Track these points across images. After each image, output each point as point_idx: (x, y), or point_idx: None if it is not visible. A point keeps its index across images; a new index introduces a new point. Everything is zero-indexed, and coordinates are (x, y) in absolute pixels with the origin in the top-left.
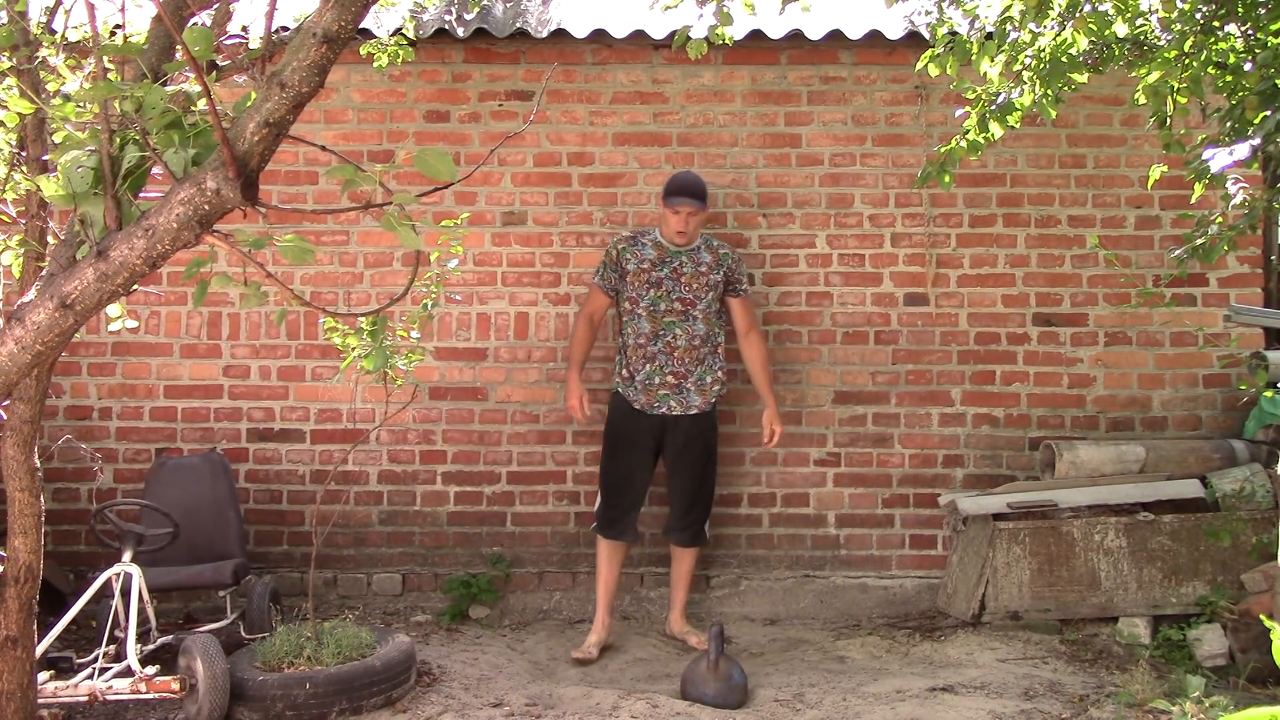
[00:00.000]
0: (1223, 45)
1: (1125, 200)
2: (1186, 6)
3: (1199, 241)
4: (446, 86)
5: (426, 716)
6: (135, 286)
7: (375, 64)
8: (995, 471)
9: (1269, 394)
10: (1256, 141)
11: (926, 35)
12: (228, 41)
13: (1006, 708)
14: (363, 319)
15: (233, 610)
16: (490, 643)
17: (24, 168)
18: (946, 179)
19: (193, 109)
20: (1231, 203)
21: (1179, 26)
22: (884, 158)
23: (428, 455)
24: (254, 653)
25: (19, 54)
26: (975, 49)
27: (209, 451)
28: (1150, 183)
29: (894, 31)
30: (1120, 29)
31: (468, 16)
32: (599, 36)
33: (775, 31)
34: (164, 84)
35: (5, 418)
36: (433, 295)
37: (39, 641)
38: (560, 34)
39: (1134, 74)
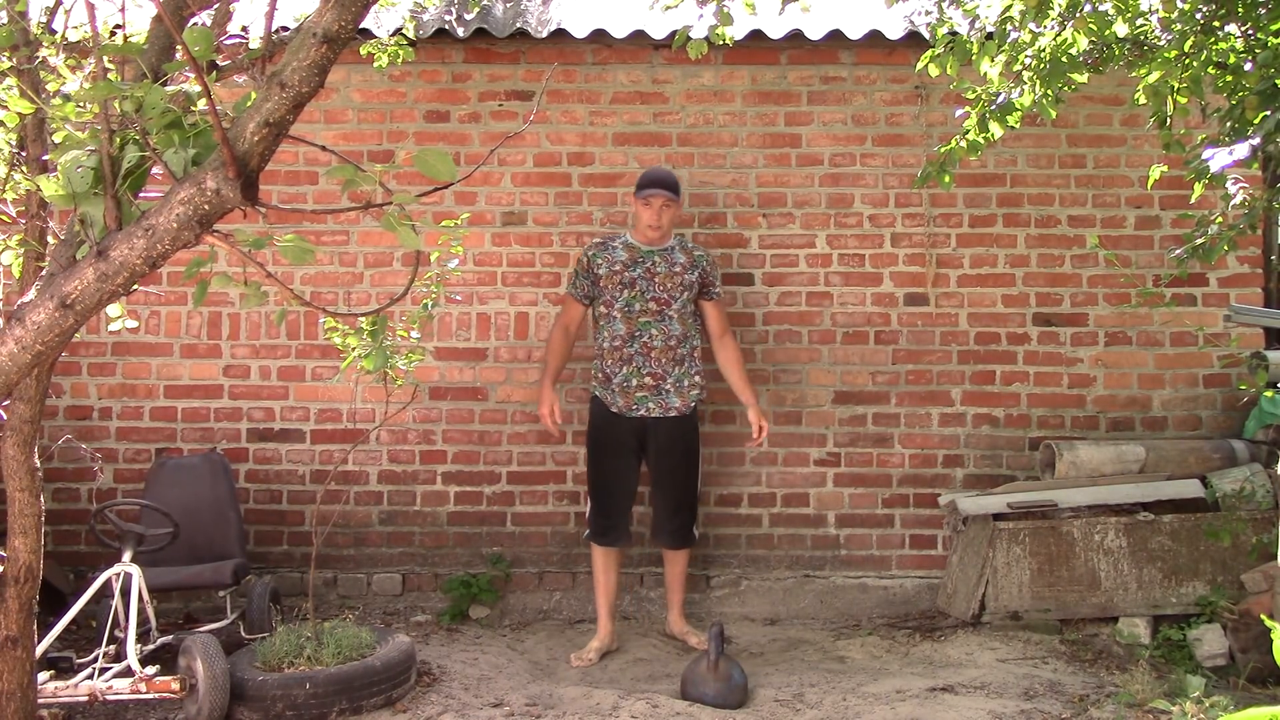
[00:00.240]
0: (1223, 45)
1: (1125, 200)
2: (1186, 6)
3: (1199, 241)
4: (446, 86)
5: (426, 716)
6: (135, 286)
7: (375, 64)
8: (995, 471)
9: (1269, 394)
10: (1256, 141)
11: (926, 35)
12: (228, 41)
13: (1006, 708)
14: (363, 319)
15: (233, 610)
16: (490, 643)
17: (24, 168)
18: (946, 179)
19: (193, 109)
20: (1231, 203)
21: (1179, 26)
22: (884, 158)
23: (428, 455)
24: (254, 653)
25: (19, 54)
26: (975, 49)
27: (209, 451)
28: (1150, 183)
29: (894, 31)
30: (1120, 29)
31: (468, 16)
32: (599, 36)
33: (775, 31)
34: (164, 84)
35: (5, 418)
36: (433, 295)
37: (39, 641)
38: (560, 34)
39: (1134, 74)
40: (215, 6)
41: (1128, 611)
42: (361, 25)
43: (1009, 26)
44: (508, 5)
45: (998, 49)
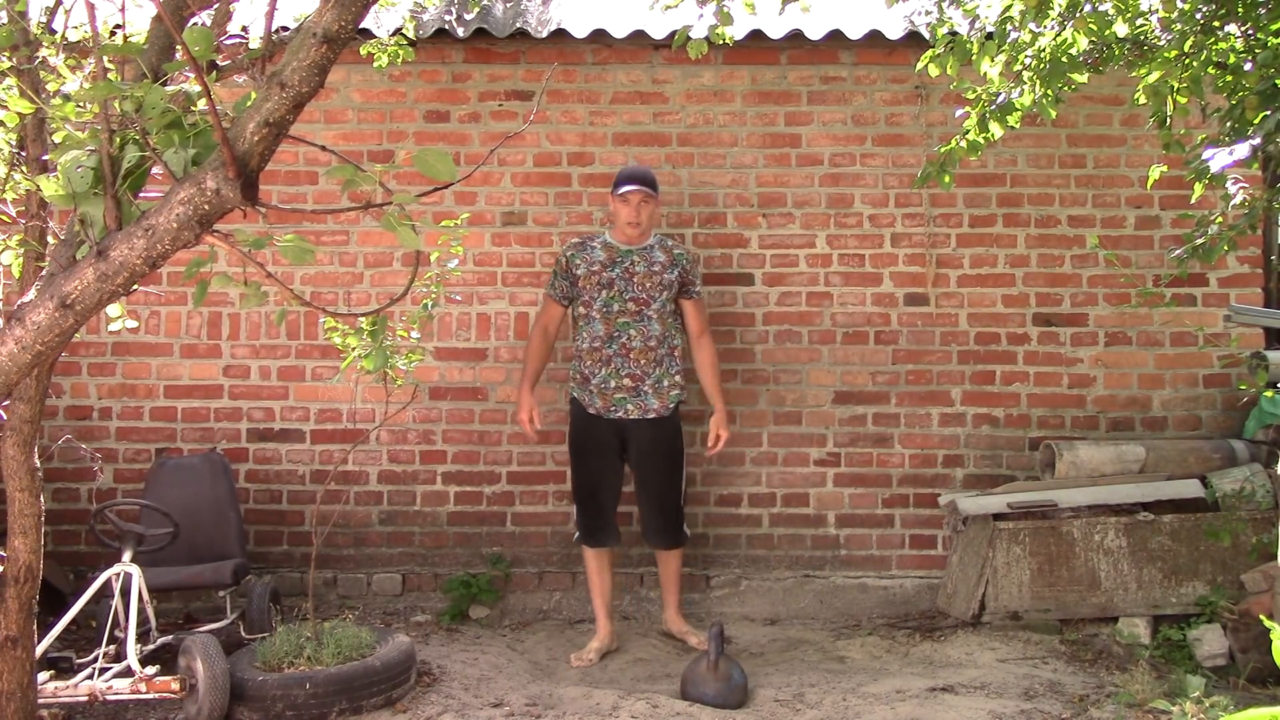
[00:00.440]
0: (1223, 45)
1: (1125, 200)
2: (1186, 6)
3: (1199, 241)
4: (446, 86)
5: (426, 716)
6: (135, 286)
7: (375, 64)
8: (995, 471)
9: (1269, 394)
10: (1256, 141)
11: (926, 35)
12: (228, 41)
13: (1006, 708)
14: (363, 319)
15: (233, 610)
16: (490, 643)
17: (24, 168)
18: (946, 179)
19: (193, 109)
20: (1231, 203)
21: (1179, 26)
22: (884, 158)
23: (428, 455)
24: (254, 653)
25: (19, 54)
26: (975, 49)
27: (209, 451)
28: (1150, 183)
29: (894, 31)
30: (1120, 29)
31: (468, 16)
32: (599, 36)
33: (775, 31)
34: (164, 84)
35: (5, 418)
36: (433, 295)
37: (39, 641)
38: (560, 34)
39: (1134, 74)
40: (215, 6)
41: (1128, 611)
42: (361, 25)
43: (1009, 26)
44: (508, 5)
45: (998, 49)
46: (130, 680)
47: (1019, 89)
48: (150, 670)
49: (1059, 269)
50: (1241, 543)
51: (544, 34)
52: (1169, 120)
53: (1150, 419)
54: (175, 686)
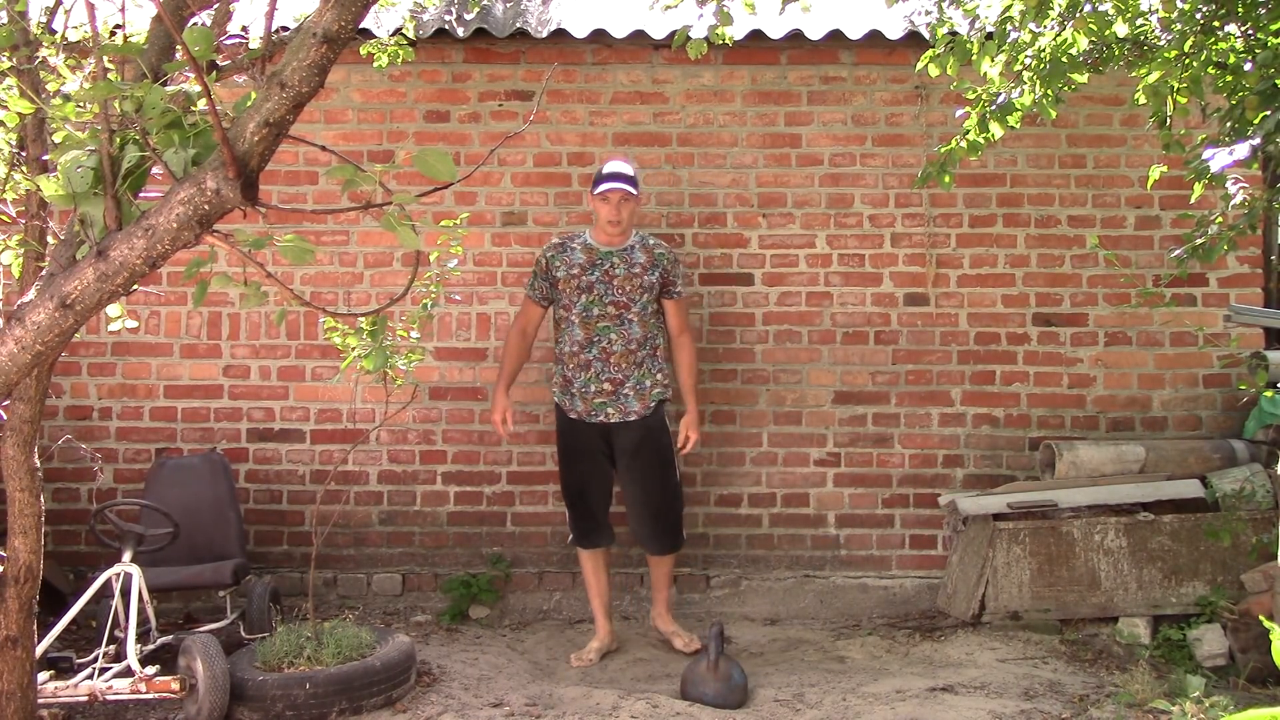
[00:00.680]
0: (1223, 45)
1: (1125, 200)
2: (1186, 6)
3: (1199, 241)
4: (446, 86)
5: (426, 716)
6: (135, 286)
7: (375, 64)
8: (995, 471)
9: (1269, 394)
10: (1256, 141)
11: (926, 35)
12: (228, 41)
13: (1006, 708)
14: (363, 319)
15: (233, 610)
16: (490, 643)
17: (24, 168)
18: (946, 179)
19: (193, 109)
20: (1231, 203)
21: (1179, 26)
22: (884, 158)
23: (428, 455)
24: (254, 653)
25: (19, 54)
26: (975, 49)
27: (209, 451)
28: (1150, 183)
29: (894, 31)
30: (1120, 29)
31: (468, 16)
32: (599, 36)
33: (775, 31)
34: (164, 84)
35: (5, 418)
36: (433, 295)
37: (39, 641)
38: (560, 34)
39: (1134, 74)
40: (215, 6)
41: (1128, 611)
42: (361, 25)
43: (1009, 26)
44: (508, 5)
45: (998, 49)
46: (130, 680)
47: (1019, 89)
48: (150, 670)
49: (1059, 269)
50: (1241, 543)
51: (544, 34)
52: (1169, 120)
53: (1150, 419)
54: (175, 686)
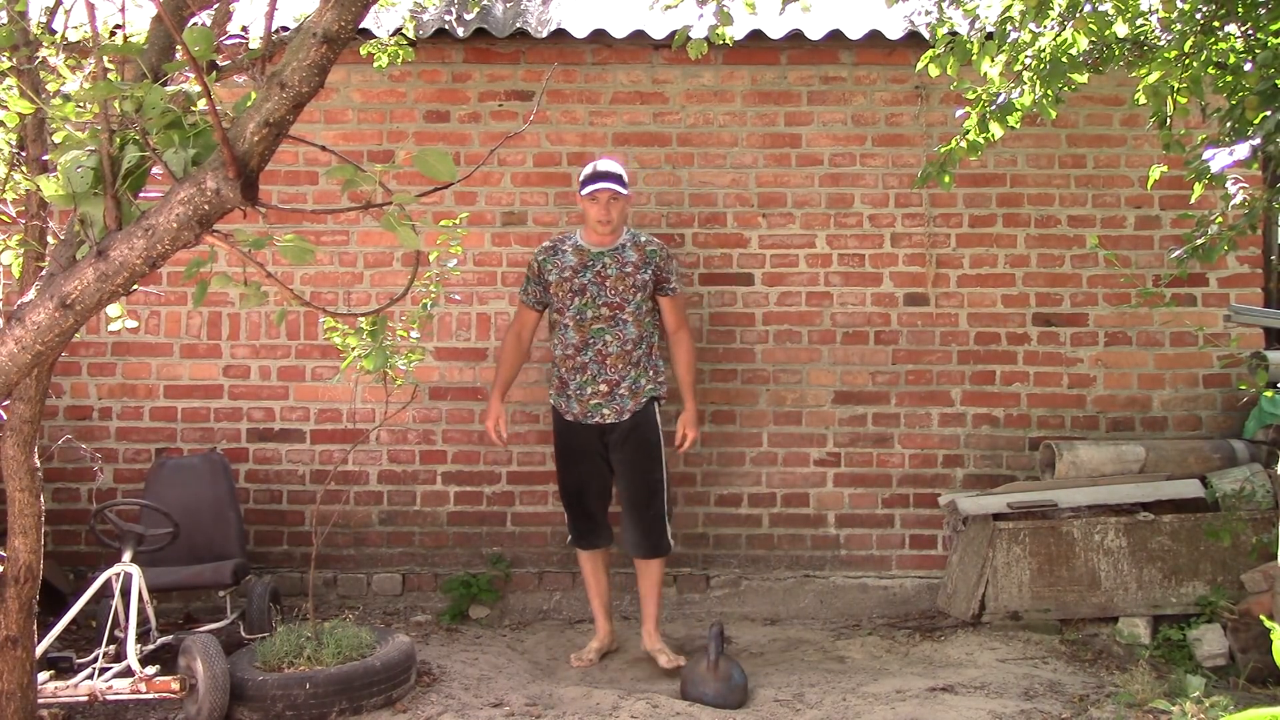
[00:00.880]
0: (1223, 45)
1: (1125, 200)
2: (1186, 6)
3: (1199, 241)
4: (446, 86)
5: (426, 716)
6: (135, 286)
7: (375, 64)
8: (995, 471)
9: (1269, 394)
10: (1256, 141)
11: (926, 35)
12: (228, 41)
13: (1006, 708)
14: (363, 319)
15: (233, 610)
16: (490, 643)
17: (24, 168)
18: (946, 179)
19: (193, 109)
20: (1231, 203)
21: (1179, 26)
22: (884, 158)
23: (428, 455)
24: (254, 653)
25: (19, 54)
26: (975, 49)
27: (209, 451)
28: (1150, 183)
29: (894, 31)
30: (1120, 29)
31: (468, 16)
32: (599, 36)
33: (775, 31)
34: (164, 84)
35: (5, 418)
36: (433, 295)
37: (39, 641)
38: (560, 34)
39: (1134, 74)
40: (215, 6)
41: (1128, 611)
42: (361, 25)
43: (1009, 26)
44: (508, 5)
45: (998, 49)
46: (130, 680)
47: (1019, 89)
48: (150, 670)
49: (1059, 269)
50: (1241, 543)
51: (544, 34)
52: (1169, 120)
53: (1150, 419)
54: (175, 686)
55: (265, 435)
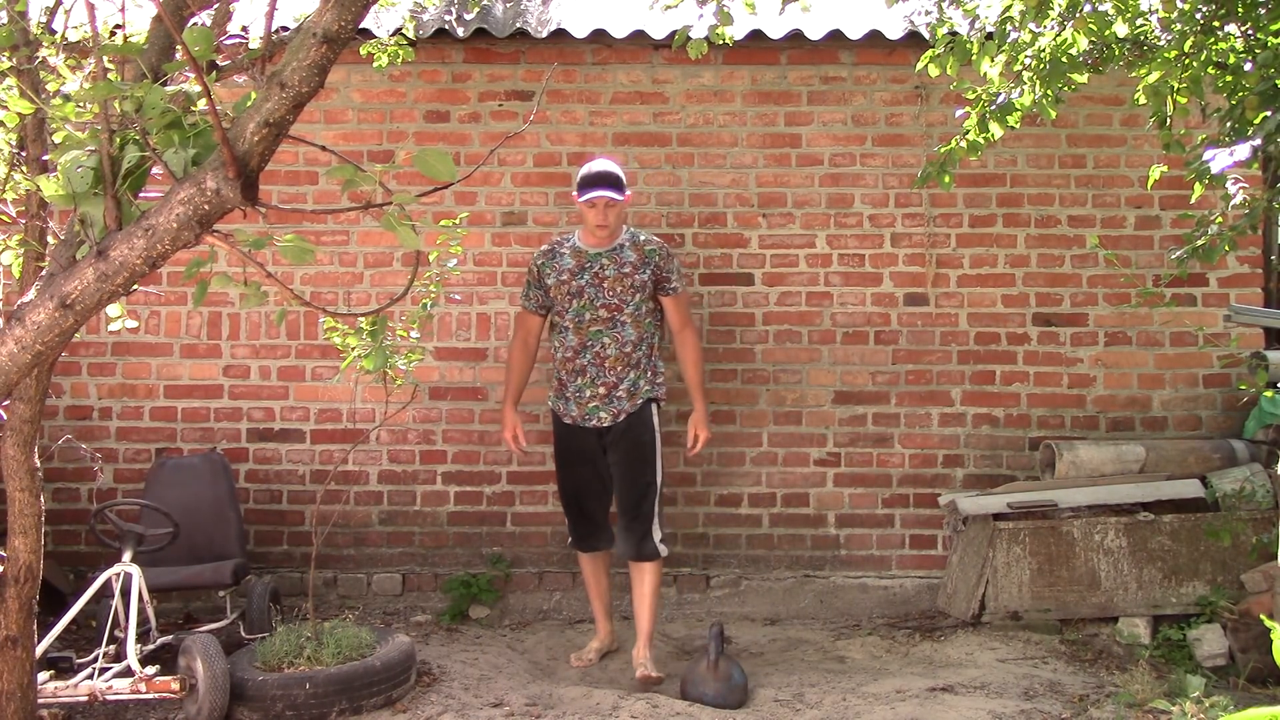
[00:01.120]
0: (1223, 45)
1: (1125, 200)
2: (1186, 6)
3: (1199, 241)
4: (446, 86)
5: (426, 716)
6: (135, 286)
7: (375, 64)
8: (995, 471)
9: (1269, 394)
10: (1256, 141)
11: (926, 35)
12: (228, 41)
13: (1006, 708)
14: (363, 319)
15: (233, 610)
16: (490, 643)
17: (24, 168)
18: (946, 179)
19: (193, 109)
20: (1231, 203)
21: (1179, 26)
22: (884, 158)
23: (428, 455)
24: (254, 653)
25: (19, 54)
26: (975, 49)
27: (209, 451)
28: (1150, 183)
29: (894, 31)
30: (1120, 29)
31: (468, 16)
32: (599, 36)
33: (775, 31)
34: (164, 84)
35: (5, 418)
36: (432, 295)
37: (39, 641)
38: (560, 34)
39: (1134, 74)
40: (215, 6)
41: (1128, 611)
42: (361, 25)
43: (1009, 26)
44: (508, 5)
45: (998, 49)
46: (130, 680)
47: (1019, 89)
48: (150, 670)
49: (1059, 269)
50: (1241, 543)
51: (544, 34)
52: (1169, 120)
53: (1150, 419)
54: (175, 686)
55: (265, 435)
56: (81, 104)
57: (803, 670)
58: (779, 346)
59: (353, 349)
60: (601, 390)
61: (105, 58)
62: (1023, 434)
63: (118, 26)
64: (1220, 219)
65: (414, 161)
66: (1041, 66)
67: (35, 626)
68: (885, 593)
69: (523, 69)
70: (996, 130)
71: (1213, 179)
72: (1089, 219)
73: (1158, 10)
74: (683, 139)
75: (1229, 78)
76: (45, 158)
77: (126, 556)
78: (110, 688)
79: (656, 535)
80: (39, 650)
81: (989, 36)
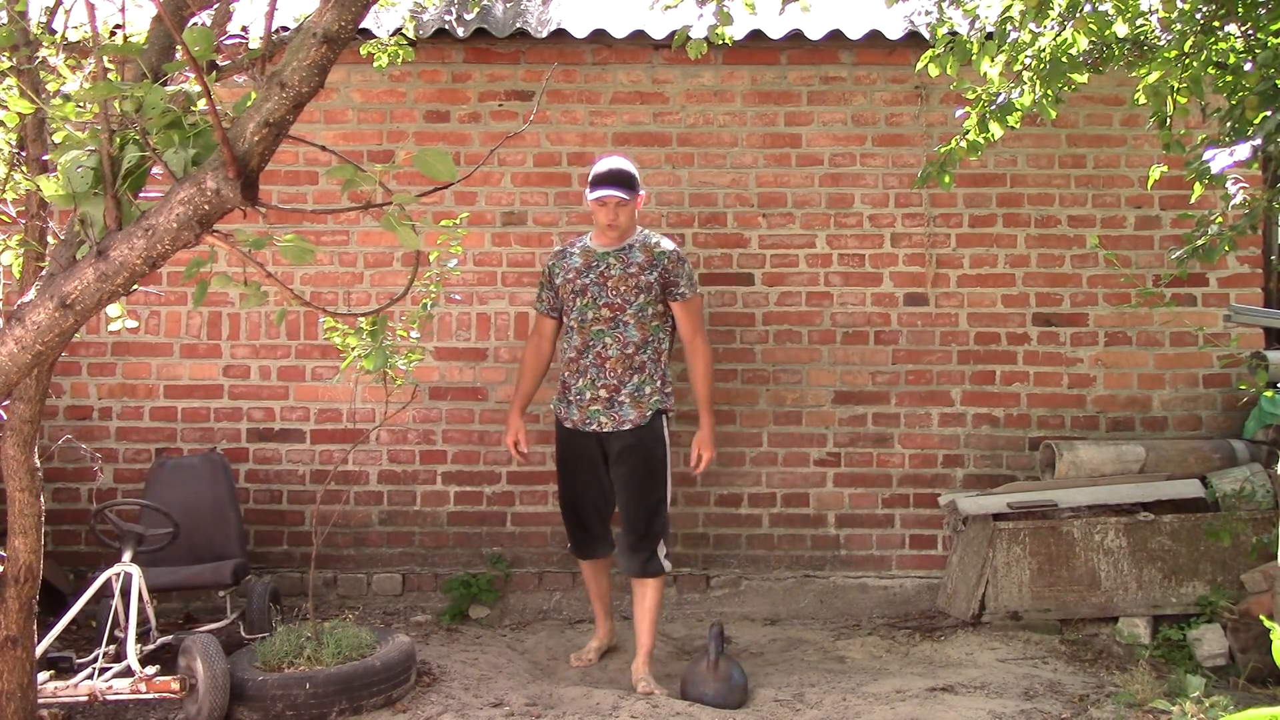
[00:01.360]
0: (1223, 45)
1: (1125, 200)
2: (1186, 6)
3: (1199, 241)
4: (446, 86)
5: (426, 716)
6: (135, 286)
7: (375, 64)
8: (995, 471)
9: (1269, 394)
10: (1257, 141)
11: (926, 35)
12: (228, 41)
13: (1006, 708)
14: (363, 319)
15: (233, 610)
16: (490, 643)
17: (24, 168)
18: (946, 179)
19: (193, 109)
20: (1231, 203)
21: (1179, 26)
22: (884, 158)
23: (428, 455)
24: (254, 653)
25: (19, 54)
26: (975, 49)
27: (209, 451)
28: (1150, 183)
29: (894, 31)
30: (1120, 29)
31: (468, 16)
32: (599, 36)
33: (775, 31)
34: (164, 84)
35: (5, 418)
36: (433, 295)
37: (39, 641)
38: (560, 34)
39: (1134, 74)
40: (215, 6)
41: (1128, 611)
42: (361, 25)
43: (1009, 26)
44: (508, 5)
45: (998, 49)
46: (130, 680)
47: (1019, 89)
48: (150, 670)
49: (1059, 269)
50: (1241, 543)
51: (544, 34)
52: (1169, 120)
53: (1150, 419)
54: (175, 686)
55: (265, 435)
56: (81, 104)
57: (803, 670)
58: (779, 346)
59: (353, 349)
60: (603, 393)
61: (105, 58)
62: (1023, 434)
63: (118, 26)
64: (1220, 219)
65: (414, 161)
66: (1041, 66)
67: (35, 626)
68: (885, 593)
69: (523, 69)
70: (996, 130)
71: (1213, 179)
72: (1089, 219)
73: (1158, 10)
74: (683, 139)
75: (1229, 78)
76: (45, 158)
77: (126, 556)
78: (110, 688)
79: (662, 552)
80: (39, 650)
81: (989, 36)
